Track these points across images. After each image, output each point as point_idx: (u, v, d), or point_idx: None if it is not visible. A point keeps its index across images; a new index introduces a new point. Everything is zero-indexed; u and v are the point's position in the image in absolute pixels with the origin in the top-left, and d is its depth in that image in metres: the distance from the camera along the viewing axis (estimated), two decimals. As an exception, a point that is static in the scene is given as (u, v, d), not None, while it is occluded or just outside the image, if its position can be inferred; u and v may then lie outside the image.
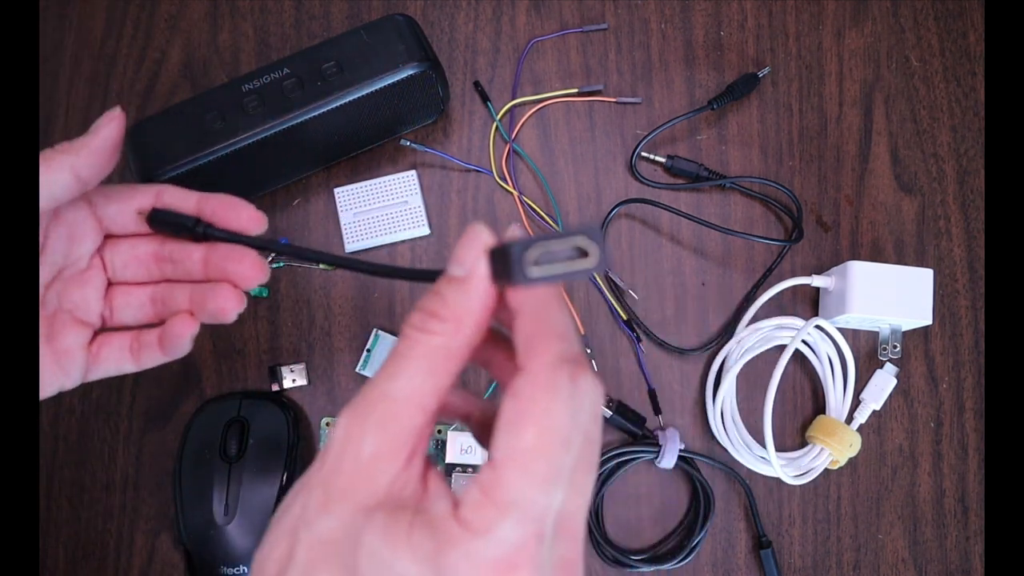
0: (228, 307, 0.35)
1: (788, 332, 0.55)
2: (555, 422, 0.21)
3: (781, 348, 0.54)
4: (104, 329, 0.37)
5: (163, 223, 0.35)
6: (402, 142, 0.56)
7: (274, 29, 0.60)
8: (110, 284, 0.37)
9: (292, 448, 0.52)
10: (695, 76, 0.59)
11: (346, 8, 0.60)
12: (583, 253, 0.21)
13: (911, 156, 0.59)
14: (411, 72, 0.51)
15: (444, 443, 0.53)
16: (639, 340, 0.55)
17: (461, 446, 0.53)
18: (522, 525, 0.21)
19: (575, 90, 0.58)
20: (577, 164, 0.58)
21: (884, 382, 0.55)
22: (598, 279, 0.56)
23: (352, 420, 0.23)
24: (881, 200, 0.58)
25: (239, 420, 0.52)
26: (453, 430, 0.53)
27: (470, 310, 0.23)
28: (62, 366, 0.35)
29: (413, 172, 0.57)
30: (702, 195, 0.58)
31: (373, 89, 0.50)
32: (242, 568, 0.50)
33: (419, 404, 0.23)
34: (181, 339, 0.36)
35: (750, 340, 0.55)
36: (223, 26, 0.60)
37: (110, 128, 0.33)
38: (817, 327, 0.54)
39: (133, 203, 0.36)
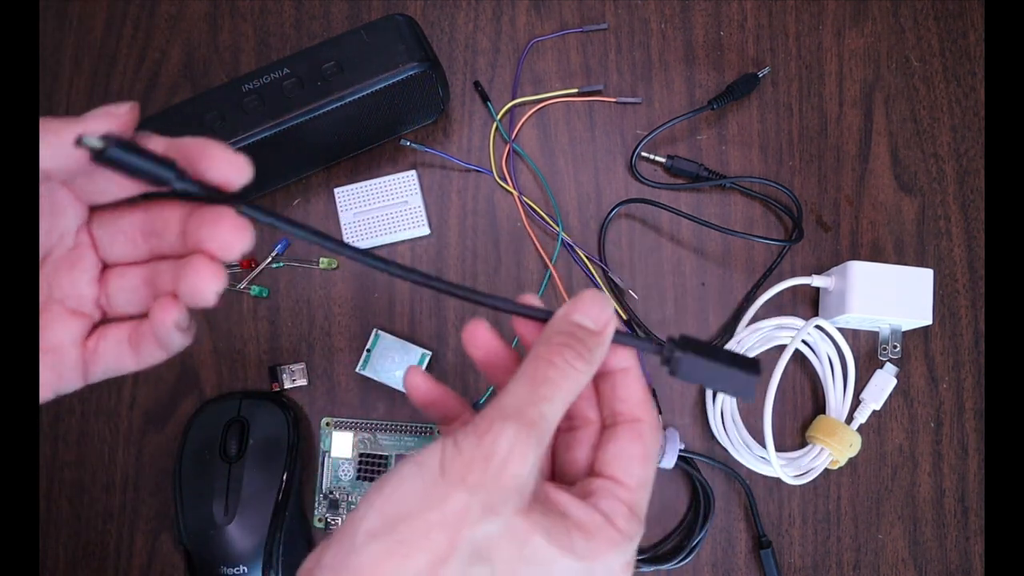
0: (201, 284, 0.27)
1: (788, 332, 0.55)
2: (656, 462, 0.30)
3: (781, 348, 0.54)
4: (101, 322, 0.32)
5: (114, 160, 0.24)
6: (402, 142, 0.56)
7: (274, 29, 0.60)
8: (104, 267, 0.31)
9: (292, 448, 0.52)
10: (695, 76, 0.59)
11: (346, 8, 0.60)
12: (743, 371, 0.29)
13: (911, 156, 0.59)
14: (411, 72, 0.51)
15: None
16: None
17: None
18: (642, 532, 0.28)
19: (575, 90, 0.58)
20: (577, 164, 0.58)
21: (884, 382, 0.55)
22: (598, 279, 0.56)
23: (521, 433, 0.25)
24: (881, 200, 0.58)
25: (239, 420, 0.52)
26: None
27: (600, 358, 0.29)
28: (54, 366, 0.30)
29: (413, 172, 0.57)
30: (702, 195, 0.58)
31: (373, 89, 0.50)
32: (242, 568, 0.50)
33: (555, 426, 0.27)
34: (164, 326, 0.29)
35: (750, 340, 0.55)
36: (223, 26, 0.60)
37: (123, 107, 0.27)
38: (817, 327, 0.54)
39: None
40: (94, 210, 0.30)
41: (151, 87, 0.59)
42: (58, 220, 0.29)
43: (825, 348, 0.55)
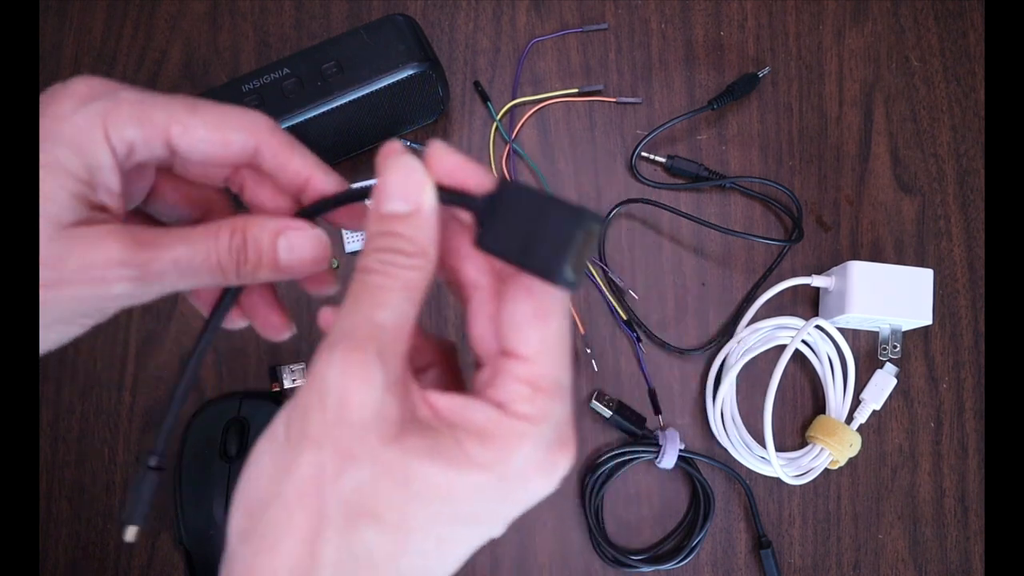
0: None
1: (788, 332, 0.55)
2: (565, 318, 0.24)
3: (781, 348, 0.54)
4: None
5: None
6: (402, 142, 0.56)
7: (274, 29, 0.60)
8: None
9: (292, 448, 0.52)
10: (695, 76, 0.59)
11: (346, 8, 0.60)
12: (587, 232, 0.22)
13: (911, 156, 0.59)
14: (411, 72, 0.51)
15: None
16: (639, 340, 0.55)
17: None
18: (566, 404, 0.23)
19: (575, 90, 0.58)
20: (577, 164, 0.58)
21: (884, 382, 0.55)
22: (598, 279, 0.56)
23: (349, 357, 0.21)
24: (881, 200, 0.58)
25: (239, 420, 0.52)
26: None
27: (432, 241, 0.24)
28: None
29: (413, 172, 0.56)
30: (702, 195, 0.58)
31: (373, 89, 0.50)
32: (242, 568, 0.49)
33: (406, 332, 0.23)
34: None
35: (750, 340, 0.55)
36: (223, 26, 0.60)
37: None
38: (817, 327, 0.54)
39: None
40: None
41: (151, 87, 0.59)
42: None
43: (825, 348, 0.55)
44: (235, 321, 0.31)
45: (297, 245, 0.27)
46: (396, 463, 0.21)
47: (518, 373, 0.23)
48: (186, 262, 0.26)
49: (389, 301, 0.23)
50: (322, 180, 0.30)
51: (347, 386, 0.21)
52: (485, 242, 0.23)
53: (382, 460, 0.21)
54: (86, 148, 0.25)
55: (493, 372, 0.24)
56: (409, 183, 0.23)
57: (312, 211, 0.29)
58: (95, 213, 0.26)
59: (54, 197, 0.25)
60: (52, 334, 0.27)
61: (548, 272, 0.22)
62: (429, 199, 0.23)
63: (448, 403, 0.23)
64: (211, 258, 0.26)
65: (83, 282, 0.25)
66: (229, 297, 0.29)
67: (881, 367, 0.55)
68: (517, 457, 0.22)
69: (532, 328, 0.23)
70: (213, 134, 0.27)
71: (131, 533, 0.27)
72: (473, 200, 0.24)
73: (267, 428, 0.23)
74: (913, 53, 0.60)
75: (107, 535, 0.54)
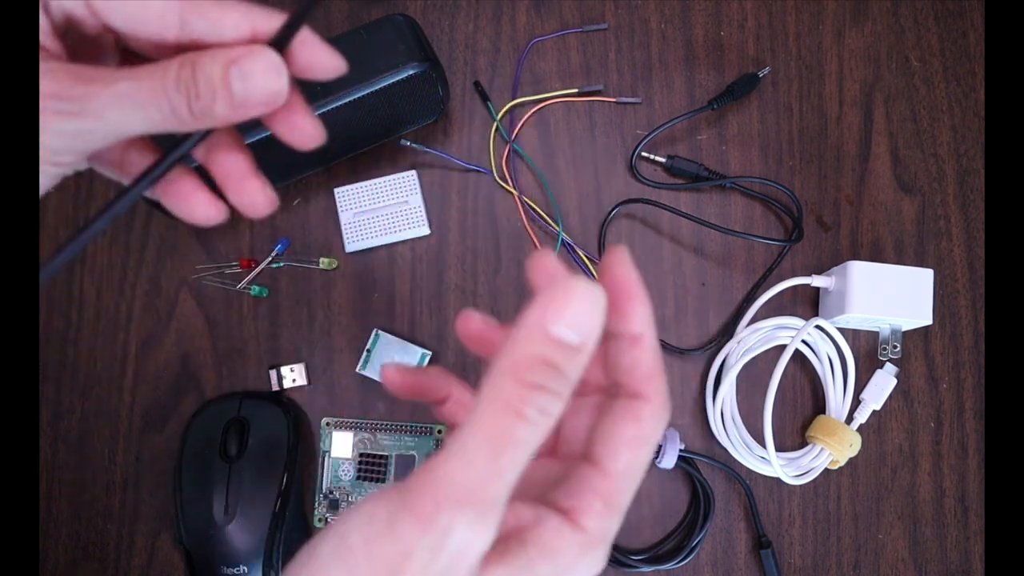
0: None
1: (788, 332, 0.55)
2: (652, 447, 0.24)
3: (781, 348, 0.54)
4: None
5: None
6: (402, 142, 0.56)
7: (274, 29, 0.60)
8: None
9: (292, 448, 0.52)
10: (695, 76, 0.59)
11: (346, 8, 0.60)
12: None
13: (911, 156, 0.59)
14: (411, 72, 0.51)
15: (440, 443, 0.53)
16: (639, 340, 0.55)
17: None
18: (612, 536, 0.24)
19: (575, 90, 0.58)
20: (577, 164, 0.58)
21: (884, 382, 0.55)
22: (596, 276, 0.56)
23: (478, 528, 0.20)
24: (881, 200, 0.58)
25: (239, 420, 0.52)
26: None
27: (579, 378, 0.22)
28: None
29: (413, 172, 0.56)
30: (702, 195, 0.58)
31: (373, 89, 0.50)
32: (242, 568, 0.50)
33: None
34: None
35: (750, 340, 0.55)
36: (223, 26, 0.60)
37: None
38: (817, 327, 0.54)
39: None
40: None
41: (151, 87, 0.59)
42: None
43: (825, 348, 0.55)
44: (202, 206, 0.28)
45: (250, 73, 0.24)
46: None
47: (597, 487, 0.23)
48: (130, 97, 0.24)
49: (524, 460, 0.21)
50: (268, 23, 0.26)
51: (467, 552, 0.20)
52: None
53: None
54: None
55: (569, 475, 0.24)
56: (591, 318, 0.21)
57: (276, 40, 0.25)
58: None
59: None
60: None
61: None
62: (597, 338, 0.22)
63: (520, 515, 0.23)
64: (158, 94, 0.24)
65: None
66: (193, 140, 0.26)
67: (881, 367, 0.55)
68: (577, 572, 0.23)
69: (627, 450, 0.24)
70: None
71: None
72: None
73: (359, 517, 0.21)
74: (913, 53, 0.60)
75: (107, 535, 0.54)
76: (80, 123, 0.24)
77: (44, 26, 0.25)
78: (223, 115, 0.24)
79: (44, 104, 0.23)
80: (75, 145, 0.25)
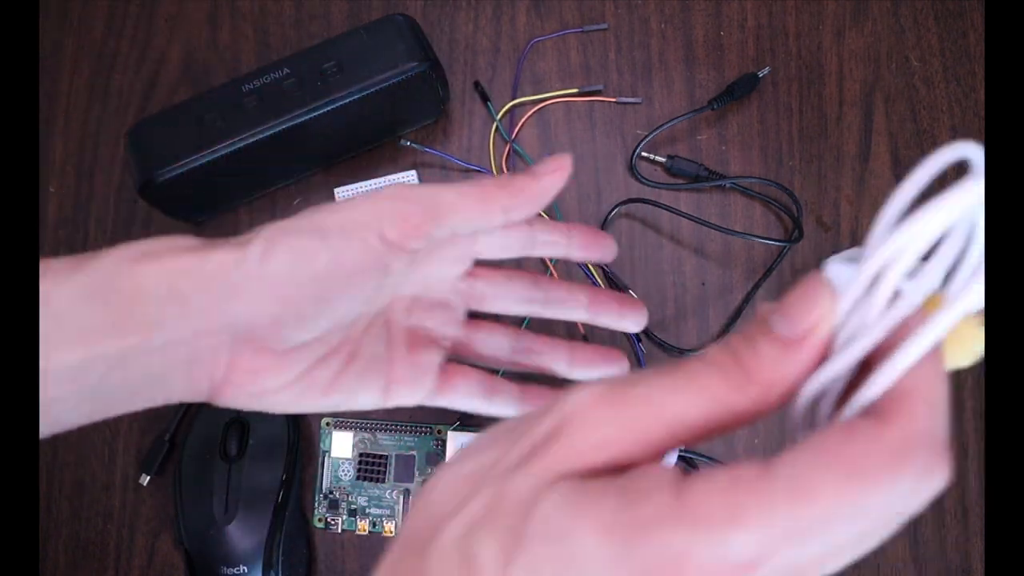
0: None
1: (788, 332, 0.55)
2: (873, 500, 0.19)
3: (781, 348, 0.54)
4: (459, 359, 0.39)
5: None
6: (402, 142, 0.56)
7: (274, 29, 0.60)
8: (475, 316, 0.39)
9: (292, 448, 0.52)
10: (695, 76, 0.59)
11: (346, 8, 0.60)
12: None
13: (911, 156, 0.59)
14: (411, 72, 0.51)
15: (444, 443, 0.53)
16: (639, 340, 0.55)
17: (461, 446, 0.53)
18: (759, 545, 0.18)
19: (575, 90, 0.58)
20: (577, 164, 0.58)
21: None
22: (597, 279, 0.56)
23: (600, 402, 0.20)
24: (881, 200, 0.58)
25: (239, 420, 0.52)
26: (453, 430, 0.53)
27: (782, 380, 0.20)
28: (414, 379, 0.37)
29: (413, 172, 0.57)
30: (702, 195, 0.58)
31: (373, 89, 0.50)
32: (242, 568, 0.50)
33: (672, 429, 0.20)
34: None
35: (750, 340, 0.55)
36: (223, 26, 0.60)
37: (553, 177, 0.34)
38: (817, 327, 0.54)
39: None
40: (478, 264, 0.39)
41: (151, 87, 0.59)
42: (437, 269, 0.38)
43: (825, 348, 0.54)
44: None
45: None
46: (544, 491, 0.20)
47: (742, 472, 0.20)
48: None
49: (678, 395, 0.20)
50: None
51: (578, 420, 0.20)
52: None
53: (542, 482, 0.20)
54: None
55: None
56: (809, 310, 0.21)
57: None
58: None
59: None
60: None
61: None
62: (818, 338, 0.21)
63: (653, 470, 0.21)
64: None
65: None
66: None
67: (881, 367, 0.55)
68: (647, 540, 0.19)
69: (826, 470, 0.20)
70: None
71: None
72: None
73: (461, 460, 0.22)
74: (913, 53, 0.60)
75: (107, 535, 0.54)
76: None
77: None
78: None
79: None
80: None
